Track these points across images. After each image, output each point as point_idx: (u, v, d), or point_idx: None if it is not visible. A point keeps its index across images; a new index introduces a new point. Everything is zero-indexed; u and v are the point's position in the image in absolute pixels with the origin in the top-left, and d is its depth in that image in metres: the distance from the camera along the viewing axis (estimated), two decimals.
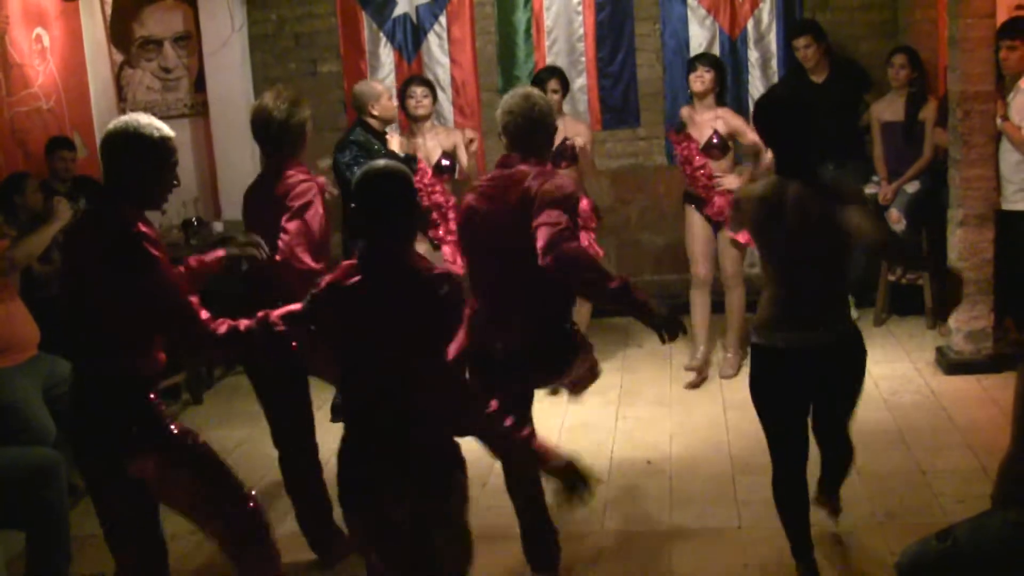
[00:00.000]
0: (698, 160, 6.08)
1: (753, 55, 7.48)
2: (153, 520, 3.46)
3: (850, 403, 3.81)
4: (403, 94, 6.24)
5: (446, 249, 6.00)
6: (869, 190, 6.75)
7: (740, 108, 6.78)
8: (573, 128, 6.39)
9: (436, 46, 7.72)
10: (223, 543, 3.51)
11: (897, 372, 6.08)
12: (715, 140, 6.10)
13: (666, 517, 4.60)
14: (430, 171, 6.04)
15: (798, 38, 6.89)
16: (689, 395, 6.05)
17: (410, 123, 6.29)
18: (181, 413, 6.35)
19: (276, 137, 4.18)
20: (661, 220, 7.70)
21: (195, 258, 3.73)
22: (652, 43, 7.62)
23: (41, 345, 4.89)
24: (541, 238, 3.44)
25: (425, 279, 2.94)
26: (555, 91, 6.25)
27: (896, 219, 6.56)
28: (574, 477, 3.10)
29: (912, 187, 6.70)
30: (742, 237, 5.76)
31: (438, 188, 6.05)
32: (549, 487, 3.30)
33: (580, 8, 7.56)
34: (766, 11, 7.42)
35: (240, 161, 7.52)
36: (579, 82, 7.55)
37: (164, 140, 3.30)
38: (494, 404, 3.00)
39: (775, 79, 7.40)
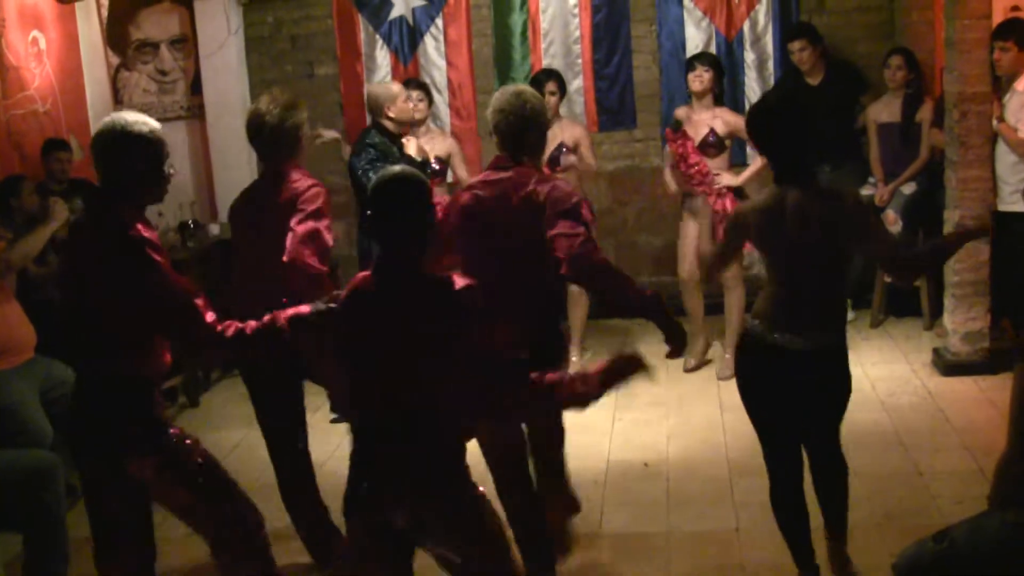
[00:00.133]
0: (693, 157, 6.09)
1: (749, 56, 7.49)
2: (147, 524, 3.46)
3: (837, 411, 3.71)
4: None
5: None
6: (865, 191, 6.76)
7: (736, 109, 6.77)
8: (570, 130, 6.40)
9: (432, 48, 7.72)
10: (215, 547, 3.50)
11: (894, 373, 6.08)
12: (711, 138, 6.12)
13: (663, 519, 4.59)
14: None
15: (793, 41, 6.90)
16: (686, 397, 6.05)
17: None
18: (177, 416, 6.34)
19: (271, 142, 4.15)
20: (658, 221, 7.70)
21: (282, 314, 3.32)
22: (648, 45, 7.62)
23: (38, 348, 4.89)
24: (561, 249, 3.46)
25: (442, 285, 2.90)
26: (552, 93, 6.26)
27: (892, 220, 6.57)
28: (630, 365, 2.97)
29: (908, 188, 6.71)
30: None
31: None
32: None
33: (576, 10, 7.56)
34: (762, 13, 7.42)
35: (237, 164, 7.51)
36: (575, 84, 7.54)
37: (154, 134, 3.30)
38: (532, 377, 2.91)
39: (771, 81, 7.41)
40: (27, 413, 4.65)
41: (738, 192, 6.10)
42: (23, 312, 4.87)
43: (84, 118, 7.60)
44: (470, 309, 2.88)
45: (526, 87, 3.93)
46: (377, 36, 7.76)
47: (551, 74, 6.49)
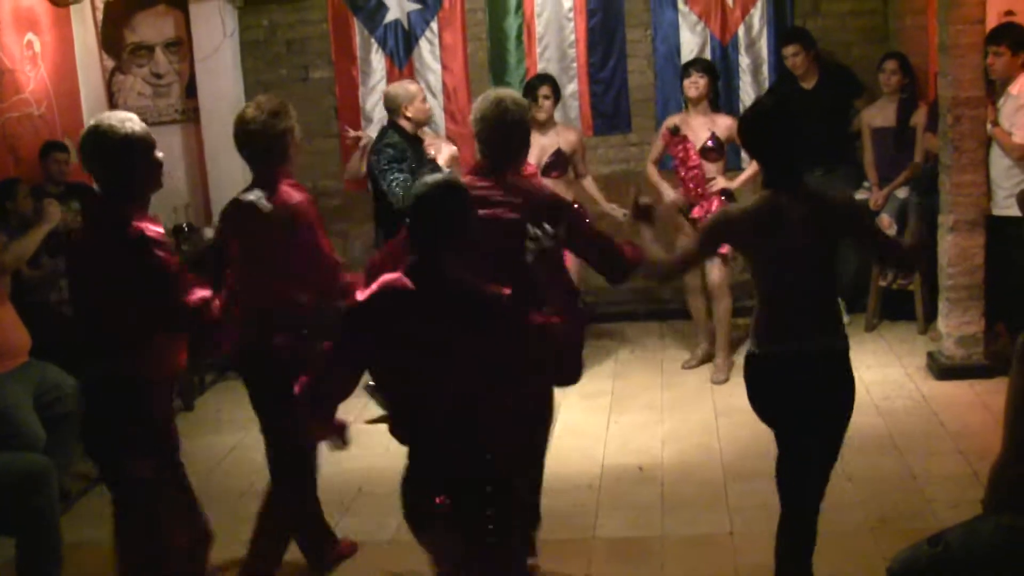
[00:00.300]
0: (693, 160, 6.10)
1: (744, 61, 7.49)
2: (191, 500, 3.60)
3: (843, 417, 3.57)
4: None
5: None
6: (860, 196, 6.78)
7: (731, 114, 6.77)
8: (564, 135, 6.40)
9: (427, 52, 7.72)
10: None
11: (889, 377, 6.09)
12: (711, 143, 6.12)
13: (658, 523, 4.59)
14: None
15: (787, 46, 6.92)
16: (681, 401, 6.04)
17: None
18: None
19: (260, 150, 4.02)
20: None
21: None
22: (643, 49, 7.62)
23: (32, 351, 4.88)
24: (593, 257, 3.95)
25: (477, 291, 2.92)
26: (547, 97, 6.26)
27: (887, 224, 6.58)
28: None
29: (903, 192, 6.72)
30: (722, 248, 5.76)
31: None
32: None
33: (571, 14, 7.56)
34: (757, 17, 7.43)
35: (231, 167, 7.47)
36: (570, 88, 7.55)
37: (136, 132, 3.33)
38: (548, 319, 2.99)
39: (766, 85, 7.41)
40: (21, 417, 4.65)
41: (730, 197, 6.12)
42: (17, 316, 4.86)
43: (79, 121, 7.58)
44: (511, 317, 2.92)
45: (507, 93, 3.89)
46: (372, 40, 7.75)
47: (545, 79, 6.49)
